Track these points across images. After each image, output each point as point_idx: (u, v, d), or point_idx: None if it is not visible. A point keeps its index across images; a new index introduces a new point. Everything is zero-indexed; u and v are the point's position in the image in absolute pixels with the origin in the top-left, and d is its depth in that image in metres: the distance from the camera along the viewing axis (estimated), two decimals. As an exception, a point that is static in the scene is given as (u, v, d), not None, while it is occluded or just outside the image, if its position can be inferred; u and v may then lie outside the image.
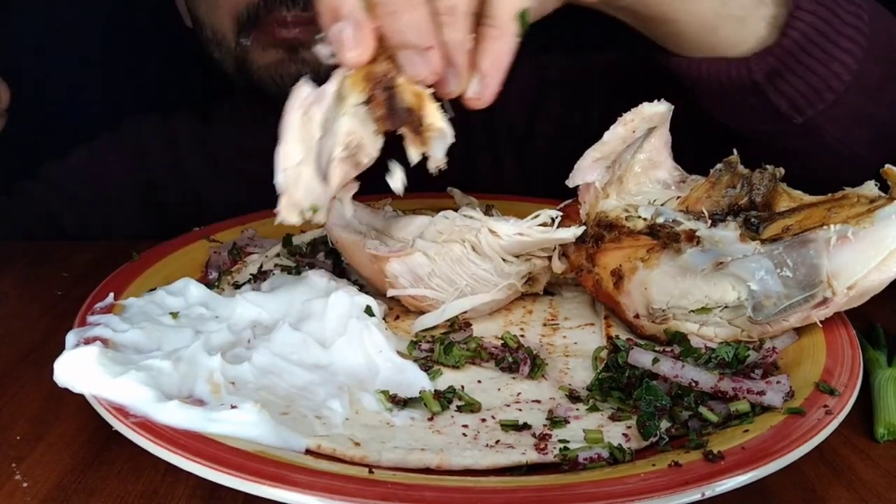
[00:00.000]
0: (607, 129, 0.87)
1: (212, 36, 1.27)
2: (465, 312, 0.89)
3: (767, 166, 0.88)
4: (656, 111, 0.87)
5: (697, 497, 0.59)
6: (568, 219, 0.91)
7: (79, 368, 0.69)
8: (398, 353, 0.81)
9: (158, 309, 0.84)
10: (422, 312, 0.89)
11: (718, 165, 0.90)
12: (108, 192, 1.42)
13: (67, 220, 1.42)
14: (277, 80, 1.23)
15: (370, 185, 1.15)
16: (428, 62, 0.68)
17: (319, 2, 0.68)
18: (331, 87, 0.71)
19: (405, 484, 0.61)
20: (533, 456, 0.67)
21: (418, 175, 1.15)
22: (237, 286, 0.96)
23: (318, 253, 1.04)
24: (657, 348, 0.81)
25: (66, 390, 0.70)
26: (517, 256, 0.88)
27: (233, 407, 0.67)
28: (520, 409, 0.75)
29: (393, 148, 0.75)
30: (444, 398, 0.75)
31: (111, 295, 0.88)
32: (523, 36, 0.71)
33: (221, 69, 1.30)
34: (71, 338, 0.77)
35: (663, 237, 0.84)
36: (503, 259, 0.87)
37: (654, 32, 0.97)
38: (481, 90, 0.71)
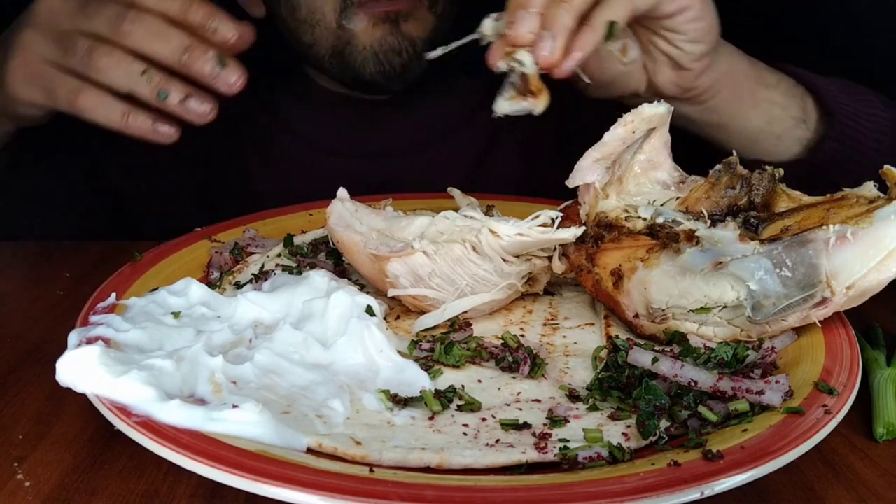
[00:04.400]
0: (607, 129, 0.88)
1: (308, 17, 1.26)
2: (466, 312, 0.89)
3: (766, 167, 0.89)
4: (656, 112, 0.87)
5: (696, 496, 0.60)
6: (568, 219, 0.91)
7: (81, 368, 0.69)
8: (399, 352, 0.81)
9: (160, 309, 0.85)
10: (422, 312, 0.89)
11: (718, 166, 0.90)
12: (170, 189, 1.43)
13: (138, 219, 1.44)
14: (382, 58, 1.25)
15: (371, 184, 1.16)
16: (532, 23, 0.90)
17: None
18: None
19: (406, 483, 0.62)
20: (533, 455, 0.67)
21: (419, 174, 1.15)
22: (238, 286, 0.96)
23: (319, 253, 1.05)
24: (657, 348, 0.81)
25: (68, 390, 0.70)
26: (517, 256, 0.88)
27: (234, 406, 0.67)
28: (520, 409, 0.75)
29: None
30: (445, 397, 0.75)
31: (113, 295, 0.88)
32: (609, 39, 0.92)
33: (306, 54, 1.31)
34: (73, 337, 0.78)
35: (663, 237, 0.84)
36: (503, 259, 0.87)
37: (703, 132, 1.14)
38: (563, 62, 0.90)
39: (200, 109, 1.03)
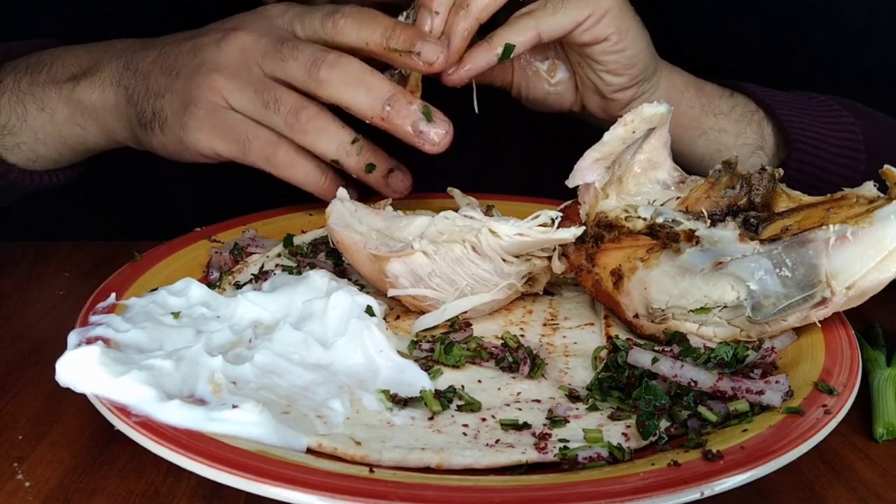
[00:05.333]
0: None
1: None
2: (466, 312, 0.89)
3: (766, 167, 0.89)
4: (656, 112, 0.87)
5: (696, 496, 0.60)
6: (568, 219, 0.91)
7: (80, 368, 0.69)
8: (399, 352, 0.81)
9: (160, 309, 0.85)
10: (422, 312, 0.89)
11: (717, 166, 0.90)
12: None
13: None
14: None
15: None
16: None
17: None
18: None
19: (405, 483, 0.62)
20: (533, 455, 0.67)
21: (426, 174, 1.14)
22: (238, 286, 0.96)
23: (318, 253, 1.04)
24: (656, 348, 0.81)
25: (68, 390, 0.70)
26: (517, 257, 0.88)
27: (234, 406, 0.67)
28: (520, 409, 0.75)
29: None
30: (445, 398, 0.75)
31: (113, 295, 0.88)
32: (503, 60, 0.97)
33: None
34: (73, 337, 0.78)
35: (663, 237, 0.84)
36: (503, 259, 0.87)
37: None
38: (455, 72, 0.97)
39: (401, 186, 1.01)
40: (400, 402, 0.74)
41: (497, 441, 0.69)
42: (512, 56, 0.97)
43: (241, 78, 0.96)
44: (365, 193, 1.07)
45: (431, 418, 0.73)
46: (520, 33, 0.96)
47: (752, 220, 0.85)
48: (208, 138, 0.97)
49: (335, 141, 0.96)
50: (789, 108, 1.12)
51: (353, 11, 0.96)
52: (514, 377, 0.80)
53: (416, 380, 0.78)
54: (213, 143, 0.97)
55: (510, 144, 1.43)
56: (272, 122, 0.95)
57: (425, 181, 1.26)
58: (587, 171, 0.89)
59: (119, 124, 1.05)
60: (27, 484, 0.68)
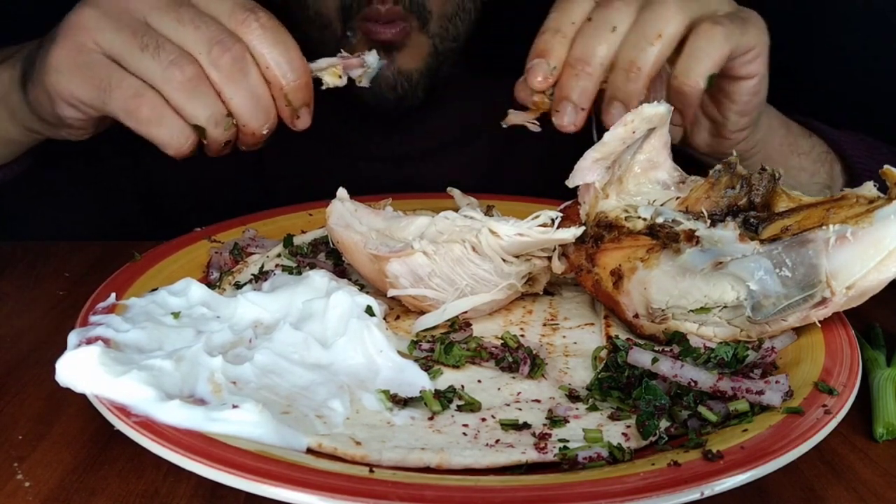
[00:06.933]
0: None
1: (315, 18, 1.25)
2: (466, 312, 0.89)
3: (766, 167, 0.89)
4: (656, 112, 0.87)
5: (696, 496, 0.60)
6: (568, 219, 0.91)
7: (80, 368, 0.69)
8: (399, 352, 0.81)
9: (160, 309, 0.85)
10: (422, 312, 0.89)
11: (718, 166, 0.90)
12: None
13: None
14: (377, 90, 1.22)
15: (371, 184, 1.16)
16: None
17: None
18: None
19: (406, 483, 0.62)
20: (533, 455, 0.67)
21: (439, 177, 1.13)
22: (238, 286, 0.96)
23: (318, 253, 1.05)
24: (656, 348, 0.81)
25: (68, 390, 0.70)
26: (517, 257, 0.88)
27: (234, 406, 0.67)
28: (520, 409, 0.75)
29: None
30: (445, 398, 0.75)
31: (113, 295, 0.88)
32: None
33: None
34: (72, 338, 0.78)
35: (663, 237, 0.84)
36: (503, 259, 0.87)
37: None
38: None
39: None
40: (400, 402, 0.74)
41: (497, 441, 0.69)
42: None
43: (118, 19, 0.87)
44: (364, 194, 1.07)
45: (431, 418, 0.73)
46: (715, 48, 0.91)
47: (752, 220, 0.85)
48: (67, 80, 0.87)
49: (209, 109, 0.88)
50: (854, 149, 1.16)
51: (270, 24, 0.90)
52: (514, 377, 0.80)
53: (416, 380, 0.78)
54: (71, 85, 0.87)
55: (524, 147, 1.43)
56: (146, 68, 0.85)
57: (431, 182, 1.26)
58: (587, 171, 0.89)
59: (17, 96, 0.98)
60: (27, 484, 0.68)
